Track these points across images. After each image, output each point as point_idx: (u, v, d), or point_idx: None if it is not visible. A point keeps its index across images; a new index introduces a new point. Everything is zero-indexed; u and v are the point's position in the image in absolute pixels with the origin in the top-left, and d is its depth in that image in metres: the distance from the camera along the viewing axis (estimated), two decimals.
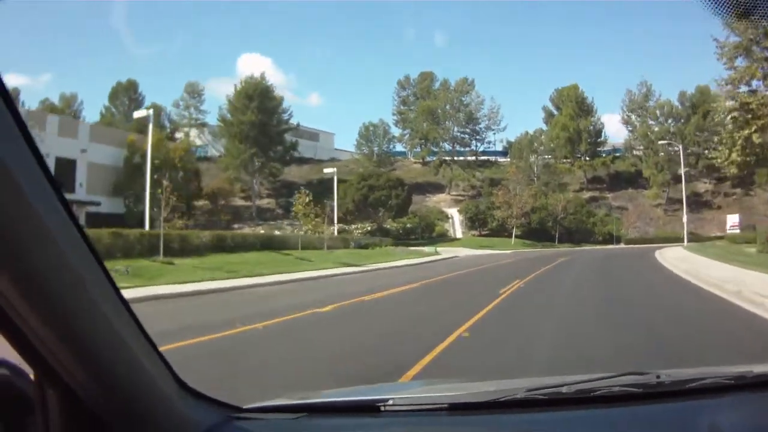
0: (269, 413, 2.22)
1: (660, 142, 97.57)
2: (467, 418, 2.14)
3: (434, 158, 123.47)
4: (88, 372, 1.48)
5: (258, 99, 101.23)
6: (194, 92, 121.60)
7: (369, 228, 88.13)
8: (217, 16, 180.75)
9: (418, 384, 4.28)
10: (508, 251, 75.47)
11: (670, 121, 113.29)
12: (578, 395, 2.17)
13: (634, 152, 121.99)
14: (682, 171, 76.20)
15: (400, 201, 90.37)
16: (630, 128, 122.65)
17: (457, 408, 2.16)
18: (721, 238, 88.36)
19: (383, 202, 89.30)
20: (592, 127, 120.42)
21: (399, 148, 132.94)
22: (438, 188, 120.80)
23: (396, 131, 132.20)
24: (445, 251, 66.21)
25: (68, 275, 1.34)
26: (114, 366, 1.53)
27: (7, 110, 1.17)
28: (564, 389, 2.18)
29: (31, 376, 1.58)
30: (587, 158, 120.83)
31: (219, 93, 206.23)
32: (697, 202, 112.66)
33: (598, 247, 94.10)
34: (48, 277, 1.29)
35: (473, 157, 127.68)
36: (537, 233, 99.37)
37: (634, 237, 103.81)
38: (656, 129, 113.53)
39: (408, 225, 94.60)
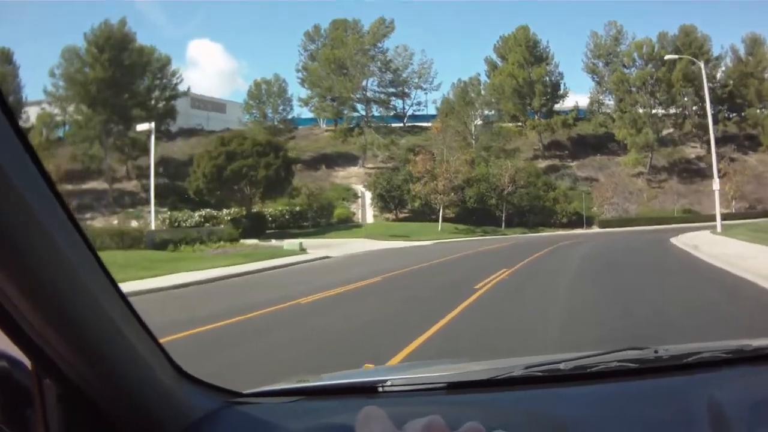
0: (268, 397, 2.24)
1: (667, 57, 69.07)
2: (465, 397, 2.13)
3: (342, 122, 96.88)
4: (83, 360, 1.49)
5: (111, 50, 76.62)
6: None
7: (243, 213, 65.64)
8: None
9: (417, 365, 3.79)
10: (428, 242, 53.57)
11: (650, 66, 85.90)
12: (576, 371, 2.16)
13: (602, 110, 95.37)
14: (707, 98, 49.32)
15: (272, 173, 62.05)
16: (596, 78, 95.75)
17: (455, 387, 2.17)
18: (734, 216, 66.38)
19: (247, 176, 60.98)
20: (547, 78, 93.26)
21: (307, 113, 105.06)
22: (351, 160, 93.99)
23: (303, 93, 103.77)
24: (328, 246, 45.72)
25: (62, 264, 1.34)
26: (110, 354, 1.55)
27: None
28: (561, 365, 2.17)
29: (29, 367, 1.58)
30: (542, 117, 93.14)
31: None
32: (688, 171, 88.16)
33: (562, 232, 68.59)
34: (42, 267, 1.29)
35: (401, 123, 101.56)
36: (476, 214, 73.36)
37: (610, 218, 77.12)
38: (633, 75, 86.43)
39: (297, 208, 71.26)
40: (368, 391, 2.18)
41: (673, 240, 35.81)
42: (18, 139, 1.16)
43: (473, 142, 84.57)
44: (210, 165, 61.36)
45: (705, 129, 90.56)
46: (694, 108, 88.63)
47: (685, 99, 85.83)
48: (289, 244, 43.77)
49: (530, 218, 74.92)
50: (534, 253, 30.59)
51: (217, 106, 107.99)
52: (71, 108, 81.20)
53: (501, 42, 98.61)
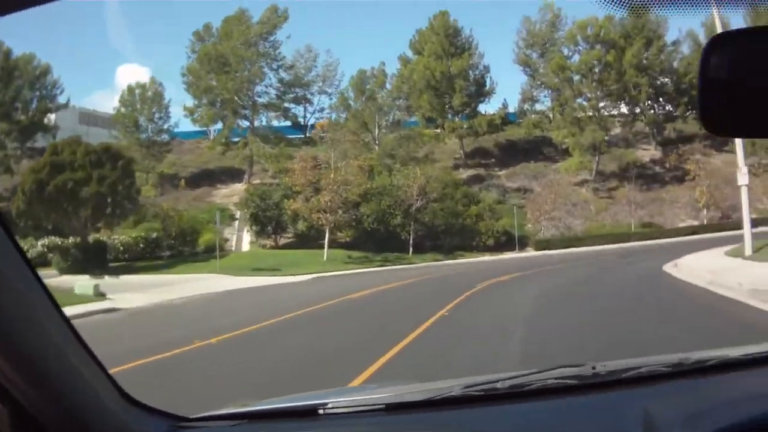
0: (213, 421, 2.26)
1: None
2: (404, 417, 2.19)
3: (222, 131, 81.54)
4: (29, 384, 1.54)
5: None
6: None
7: (74, 242, 52.47)
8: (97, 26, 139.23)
9: (358, 388, 4.13)
10: (304, 277, 41.53)
11: (598, 47, 71.36)
12: (513, 390, 2.20)
13: (537, 107, 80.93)
14: None
15: (106, 189, 47.94)
16: (529, 71, 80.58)
17: (395, 408, 2.21)
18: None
19: (74, 193, 47.15)
20: (470, 72, 78.08)
21: (188, 125, 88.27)
22: (237, 176, 78.14)
23: (188, 101, 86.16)
24: (158, 287, 35.83)
25: (9, 294, 1.40)
26: (54, 378, 1.59)
27: None
28: (498, 384, 2.21)
29: None
30: (464, 119, 78.15)
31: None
32: (644, 176, 72.99)
33: (488, 257, 53.86)
34: None
35: (302, 135, 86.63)
36: (377, 238, 57.10)
37: (549, 236, 61.33)
38: (577, 59, 72.80)
39: (155, 235, 58.45)
40: (309, 414, 2.19)
41: (680, 275, 21.56)
42: None
43: (376, 146, 69.47)
44: (31, 180, 47.56)
45: (659, 127, 76.94)
46: (648, 102, 74.91)
47: (638, 92, 71.68)
48: (81, 286, 32.54)
49: (447, 241, 59.04)
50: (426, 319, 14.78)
51: (108, 122, 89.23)
52: None
53: (417, 36, 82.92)
